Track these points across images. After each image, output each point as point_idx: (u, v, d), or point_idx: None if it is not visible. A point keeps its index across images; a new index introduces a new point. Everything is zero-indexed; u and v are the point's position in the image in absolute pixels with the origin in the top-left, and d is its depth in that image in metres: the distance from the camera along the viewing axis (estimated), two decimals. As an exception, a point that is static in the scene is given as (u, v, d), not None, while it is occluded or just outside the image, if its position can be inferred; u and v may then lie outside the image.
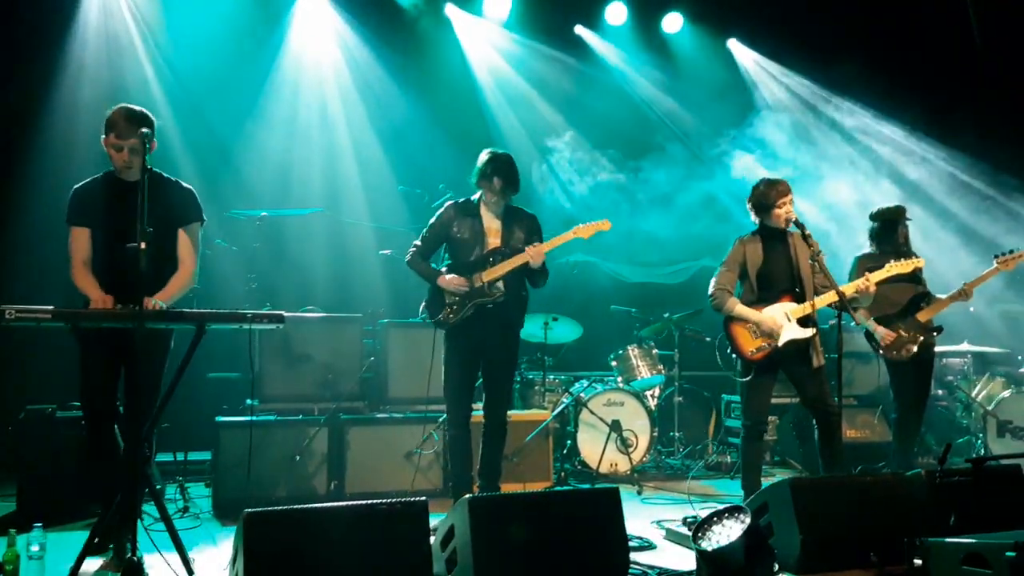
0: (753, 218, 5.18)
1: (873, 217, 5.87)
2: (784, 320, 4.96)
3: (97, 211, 4.09)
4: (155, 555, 3.73)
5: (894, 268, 5.15)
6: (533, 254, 4.88)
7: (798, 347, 4.97)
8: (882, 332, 5.65)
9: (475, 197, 5.10)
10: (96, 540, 3.87)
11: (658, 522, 5.02)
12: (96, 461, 4.14)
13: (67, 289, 4.11)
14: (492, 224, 5.04)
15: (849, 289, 4.98)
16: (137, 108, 4.06)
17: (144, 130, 3.80)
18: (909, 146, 8.66)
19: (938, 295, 5.75)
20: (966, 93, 8.75)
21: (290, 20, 7.86)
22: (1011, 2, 8.38)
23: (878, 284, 5.11)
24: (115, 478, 4.10)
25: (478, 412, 5.11)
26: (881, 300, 5.52)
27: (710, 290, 5.13)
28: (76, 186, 4.17)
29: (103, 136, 4.03)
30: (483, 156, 5.01)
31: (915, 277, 5.69)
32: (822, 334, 7.17)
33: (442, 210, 5.11)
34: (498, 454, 5.07)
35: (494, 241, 5.02)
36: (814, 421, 5.07)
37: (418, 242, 5.08)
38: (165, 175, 4.19)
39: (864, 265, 5.70)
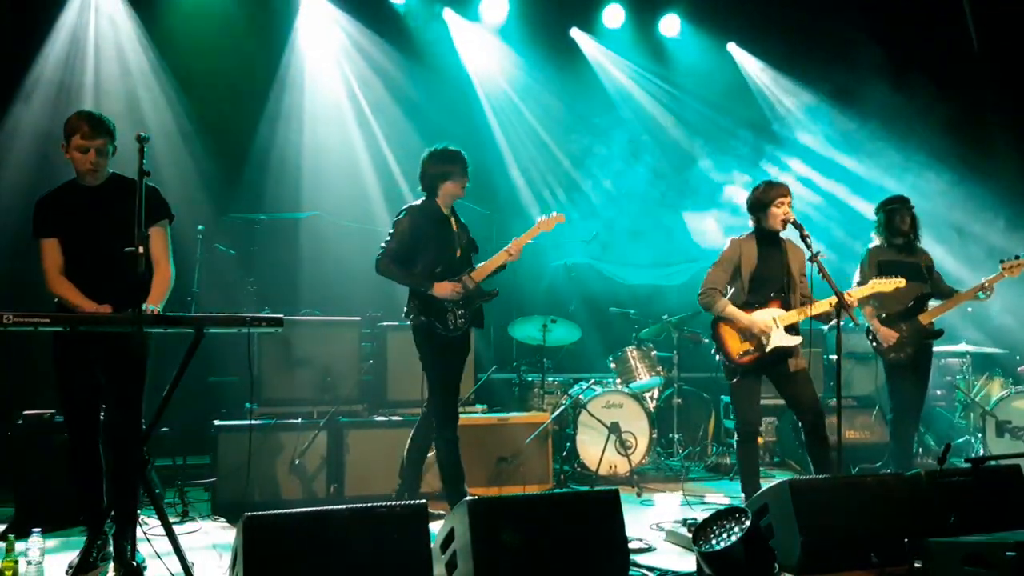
0: (750, 221, 5.18)
1: (876, 210, 5.89)
2: (773, 325, 4.97)
3: (65, 220, 4.01)
4: (155, 560, 3.73)
5: (877, 286, 5.14)
6: (515, 251, 4.95)
7: (782, 353, 4.98)
8: (884, 332, 5.66)
9: (423, 200, 5.00)
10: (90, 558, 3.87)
11: (658, 524, 5.02)
12: (79, 476, 4.10)
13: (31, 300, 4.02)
14: (452, 224, 5.03)
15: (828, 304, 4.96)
16: (96, 111, 4.02)
17: (143, 136, 3.71)
18: (916, 156, 8.60)
19: (956, 290, 5.75)
20: (975, 106, 8.72)
21: (291, 25, 7.85)
22: (1008, 8, 8.38)
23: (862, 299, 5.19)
24: (98, 495, 4.09)
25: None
26: (887, 299, 5.53)
27: (700, 288, 5.12)
28: (39, 198, 4.08)
29: (64, 143, 3.96)
30: (444, 152, 4.94)
31: (922, 276, 5.70)
32: (820, 335, 7.17)
33: (408, 215, 4.94)
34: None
35: (456, 241, 5.01)
36: (799, 422, 5.08)
37: (391, 247, 4.89)
38: (127, 177, 4.10)
39: (875, 258, 5.73)
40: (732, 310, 5.02)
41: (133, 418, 3.94)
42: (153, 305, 3.92)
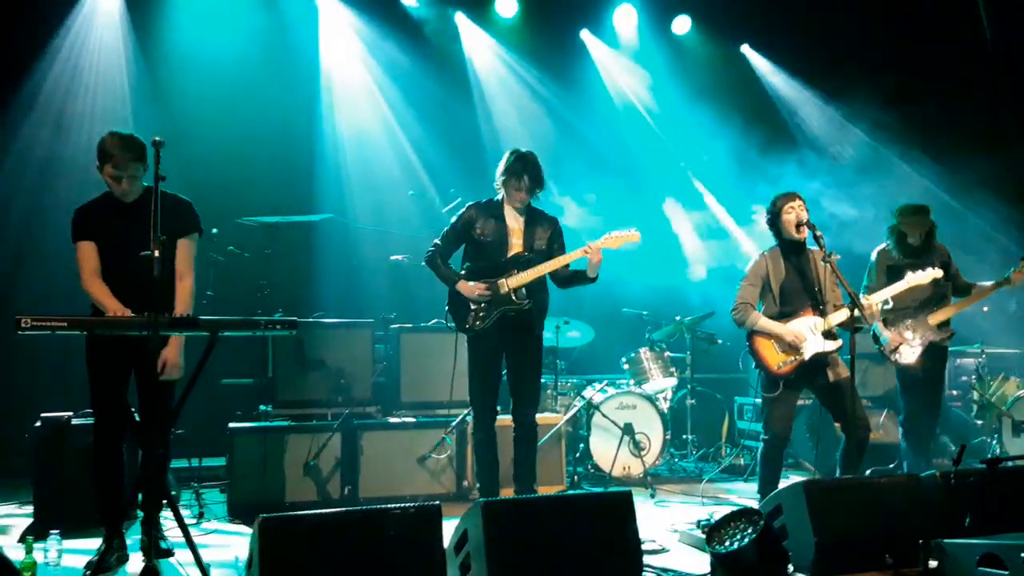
0: (774, 233, 5.17)
1: (892, 215, 5.77)
2: (809, 333, 4.94)
3: (101, 228, 4.15)
4: (172, 561, 3.76)
5: (912, 280, 5.12)
6: (594, 250, 4.78)
7: (823, 361, 4.94)
8: (887, 335, 5.61)
9: (498, 197, 5.01)
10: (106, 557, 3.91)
11: (672, 525, 5.02)
12: (100, 476, 4.17)
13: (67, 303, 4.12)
14: (515, 225, 4.96)
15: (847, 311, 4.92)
16: (127, 134, 4.11)
17: (158, 141, 3.75)
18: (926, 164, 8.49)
19: (979, 283, 5.67)
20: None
21: (307, 28, 7.89)
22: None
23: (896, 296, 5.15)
24: (118, 496, 4.16)
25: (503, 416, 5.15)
26: (896, 300, 5.48)
27: (733, 305, 5.12)
28: (78, 207, 4.24)
29: (99, 164, 4.08)
30: (509, 155, 4.93)
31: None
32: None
33: (464, 210, 5.04)
34: (531, 456, 5.07)
35: (516, 243, 4.93)
36: (844, 434, 4.93)
37: (438, 241, 5.02)
38: (162, 191, 4.21)
39: (884, 263, 5.68)
40: (765, 322, 5.02)
41: (159, 417, 3.99)
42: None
